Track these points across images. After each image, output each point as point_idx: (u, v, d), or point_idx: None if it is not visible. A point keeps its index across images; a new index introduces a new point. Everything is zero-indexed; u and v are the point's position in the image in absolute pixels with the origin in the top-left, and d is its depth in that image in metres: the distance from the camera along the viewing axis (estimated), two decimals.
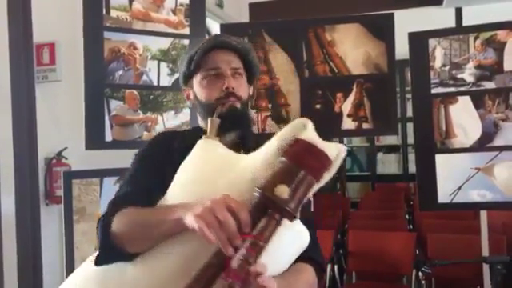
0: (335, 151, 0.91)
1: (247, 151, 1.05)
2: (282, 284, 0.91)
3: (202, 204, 0.85)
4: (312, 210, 1.31)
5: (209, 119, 1.08)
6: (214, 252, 0.84)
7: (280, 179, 0.84)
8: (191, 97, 1.20)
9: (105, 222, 1.00)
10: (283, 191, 0.82)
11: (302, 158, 0.86)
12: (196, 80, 1.17)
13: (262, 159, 0.93)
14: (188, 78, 1.18)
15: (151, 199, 1.02)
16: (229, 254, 0.81)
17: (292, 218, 0.84)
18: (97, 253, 1.02)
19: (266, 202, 0.83)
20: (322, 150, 0.88)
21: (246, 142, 1.14)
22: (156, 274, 0.93)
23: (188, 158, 1.04)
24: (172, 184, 1.03)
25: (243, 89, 1.16)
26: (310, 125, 0.93)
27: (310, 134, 0.91)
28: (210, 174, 0.98)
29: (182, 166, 1.04)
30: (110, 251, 0.98)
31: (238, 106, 1.14)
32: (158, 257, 0.95)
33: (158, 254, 0.95)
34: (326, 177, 0.91)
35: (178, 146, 1.13)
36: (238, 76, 1.16)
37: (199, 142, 1.07)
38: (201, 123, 1.22)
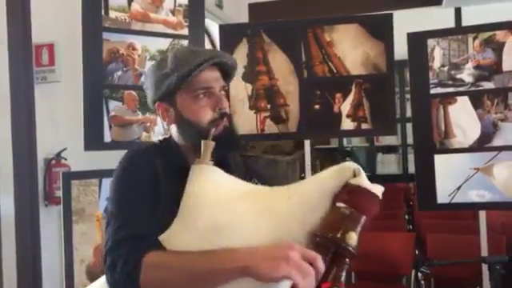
0: (380, 192, 0.96)
1: (228, 171, 1.04)
2: None
3: (277, 255, 0.84)
4: None
5: (202, 142, 1.04)
6: None
7: (350, 227, 0.89)
8: (170, 113, 1.12)
9: (131, 273, 0.91)
10: (354, 239, 0.88)
11: (366, 207, 0.92)
12: (181, 97, 1.10)
13: (309, 200, 0.93)
14: (169, 94, 1.10)
15: (157, 233, 0.97)
16: None
17: (354, 259, 0.90)
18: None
19: (336, 248, 0.88)
20: (378, 196, 0.95)
21: (226, 162, 1.12)
22: None
23: (198, 194, 0.98)
24: (186, 223, 0.96)
25: (228, 106, 1.14)
26: (361, 170, 0.95)
27: (364, 180, 0.94)
28: (247, 216, 0.94)
29: (194, 205, 0.97)
30: None
31: (228, 125, 1.11)
32: None
33: None
34: None
35: (161, 167, 1.07)
36: (225, 93, 1.13)
37: (199, 169, 1.01)
38: (177, 140, 1.15)
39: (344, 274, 0.89)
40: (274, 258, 0.84)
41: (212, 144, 1.04)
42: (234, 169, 1.13)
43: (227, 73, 1.15)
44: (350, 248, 0.87)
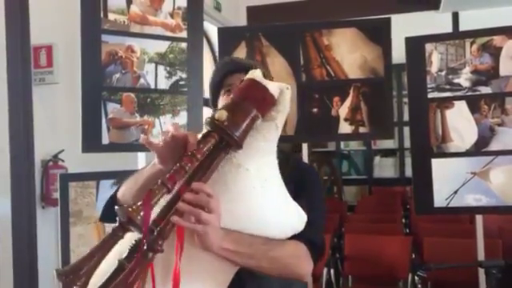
0: (277, 88, 1.03)
1: None
2: (236, 238, 0.98)
3: None
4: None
5: None
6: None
7: (222, 107, 0.96)
8: None
9: (113, 193, 1.18)
10: (222, 114, 0.93)
11: (242, 90, 0.99)
12: (220, 99, 1.27)
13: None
14: (214, 102, 1.29)
15: None
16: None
17: (234, 141, 0.93)
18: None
19: (209, 125, 0.94)
20: (260, 83, 1.00)
21: None
22: None
23: None
24: None
25: None
26: (258, 71, 1.04)
27: (255, 74, 1.02)
28: None
29: None
30: (111, 209, 1.04)
31: None
32: None
33: None
34: (275, 112, 1.02)
35: None
36: None
37: None
38: None
39: (211, 148, 0.93)
40: None
41: None
42: None
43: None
44: (215, 121, 0.93)
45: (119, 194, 1.14)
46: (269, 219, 1.02)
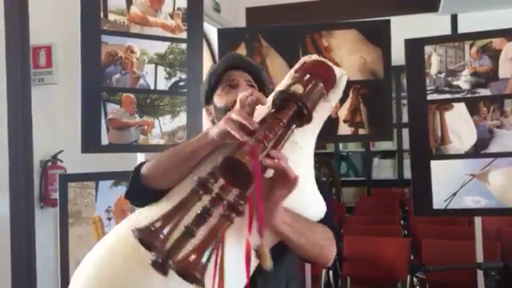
0: (339, 71, 1.08)
1: None
2: (292, 214, 0.99)
3: None
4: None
5: None
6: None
7: (295, 82, 0.97)
8: (211, 111, 1.28)
9: (136, 169, 1.09)
10: (298, 88, 0.95)
11: (311, 68, 1.02)
12: (216, 95, 1.26)
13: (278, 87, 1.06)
14: (210, 96, 1.27)
15: None
16: (253, 127, 0.89)
17: (308, 112, 0.95)
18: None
19: (282, 97, 0.95)
20: (328, 63, 1.06)
21: None
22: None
23: None
24: None
25: None
26: (316, 55, 1.08)
27: (316, 56, 1.07)
28: None
29: None
30: (141, 190, 1.05)
31: None
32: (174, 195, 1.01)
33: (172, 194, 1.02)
34: (333, 94, 1.06)
35: None
36: (251, 87, 1.25)
37: None
38: None
39: (289, 119, 0.93)
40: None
41: None
42: None
43: (258, 77, 1.29)
44: (293, 94, 0.94)
45: (145, 170, 1.07)
46: (308, 200, 1.05)
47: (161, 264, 0.79)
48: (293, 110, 0.94)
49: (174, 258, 0.78)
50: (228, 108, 1.19)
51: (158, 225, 0.80)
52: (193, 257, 0.77)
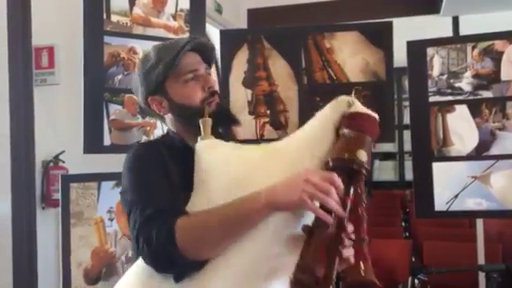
0: (376, 116, 1.05)
1: None
2: None
3: (295, 182, 0.90)
4: None
5: (200, 121, 1.10)
6: (314, 224, 0.91)
7: (358, 146, 0.95)
8: (164, 104, 1.16)
9: (168, 239, 0.94)
10: (363, 154, 0.94)
11: (367, 127, 1.00)
12: (171, 85, 1.15)
13: (313, 137, 1.01)
14: (158, 85, 1.15)
15: (183, 206, 1.02)
16: (344, 216, 0.89)
17: (368, 179, 0.97)
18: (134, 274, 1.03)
19: (348, 165, 0.94)
20: (376, 118, 1.04)
21: (229, 138, 1.19)
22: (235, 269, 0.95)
23: (209, 163, 1.04)
24: (206, 191, 1.02)
25: (216, 84, 1.21)
26: (355, 100, 1.05)
27: (360, 106, 1.04)
28: (260, 167, 1.01)
29: (207, 172, 1.03)
30: (185, 263, 0.95)
31: (219, 101, 1.18)
32: (229, 259, 0.95)
33: (225, 257, 0.96)
34: None
35: (166, 152, 1.12)
36: (209, 72, 1.19)
37: (203, 144, 1.08)
38: (175, 129, 1.20)
39: (364, 189, 0.95)
40: (294, 184, 0.90)
41: (209, 121, 1.11)
42: (231, 140, 1.20)
43: (207, 57, 1.20)
44: (363, 163, 0.94)
45: (184, 242, 0.94)
46: None
47: None
48: (364, 180, 0.96)
49: None
50: (196, 108, 1.12)
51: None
52: None
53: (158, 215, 0.98)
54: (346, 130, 0.99)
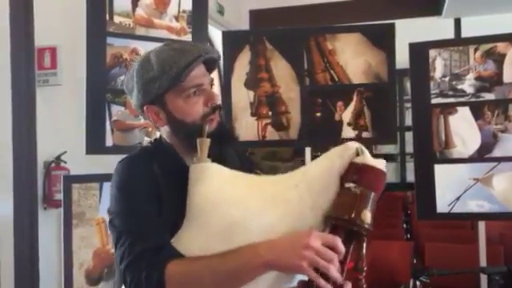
0: (384, 166, 0.98)
1: (225, 165, 1.04)
2: None
3: (296, 245, 0.86)
4: None
5: (198, 140, 1.03)
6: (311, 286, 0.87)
7: (363, 206, 0.90)
8: (162, 116, 1.08)
9: (157, 281, 0.91)
10: (368, 216, 0.90)
11: (375, 184, 0.94)
12: (171, 98, 1.06)
13: (317, 184, 0.95)
14: (161, 96, 1.06)
15: (170, 238, 0.98)
16: (341, 283, 0.86)
17: (370, 237, 0.93)
18: None
19: (353, 228, 0.90)
20: (384, 171, 0.96)
21: (222, 156, 1.10)
22: None
23: (203, 198, 0.99)
24: (199, 227, 0.98)
25: (219, 97, 1.13)
26: (364, 148, 0.98)
27: (368, 157, 0.96)
28: (258, 209, 0.96)
29: (201, 210, 0.98)
30: None
31: (220, 119, 1.10)
32: None
33: None
34: None
35: (159, 170, 1.05)
36: (213, 83, 1.12)
37: (198, 172, 1.02)
38: (169, 140, 1.12)
39: (364, 251, 0.91)
40: (295, 248, 0.86)
41: (208, 141, 1.04)
42: (230, 162, 1.12)
43: (211, 66, 1.14)
44: (367, 226, 0.90)
45: (173, 284, 0.91)
46: None
47: None
48: (365, 242, 0.92)
49: None
50: (195, 125, 1.05)
51: None
52: None
53: (147, 255, 0.95)
54: (351, 185, 0.92)
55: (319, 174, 0.96)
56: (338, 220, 0.90)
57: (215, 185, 1.00)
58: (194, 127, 1.05)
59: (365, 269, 0.90)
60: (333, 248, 0.87)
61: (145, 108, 1.09)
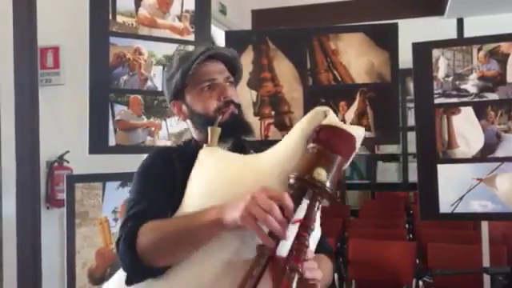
0: (359, 132, 0.96)
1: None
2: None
3: (242, 199, 0.86)
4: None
5: (209, 128, 1.09)
6: (258, 246, 0.86)
7: (317, 163, 0.88)
8: (184, 110, 1.19)
9: (128, 240, 0.96)
10: (322, 173, 0.86)
11: (334, 143, 0.91)
12: (189, 92, 1.16)
13: (285, 151, 0.96)
14: (179, 91, 1.17)
15: (166, 214, 1.02)
16: (285, 238, 0.84)
17: (332, 198, 0.89)
18: (123, 274, 1.01)
19: (305, 185, 0.87)
20: (351, 133, 0.93)
21: (243, 150, 1.14)
22: (192, 284, 0.94)
23: (199, 169, 1.05)
24: (186, 196, 1.04)
25: (237, 96, 1.18)
26: (331, 111, 0.97)
27: (334, 119, 0.95)
28: (232, 180, 0.99)
29: (193, 178, 1.04)
30: (140, 269, 0.96)
31: (237, 112, 1.16)
32: (192, 267, 0.94)
33: (189, 265, 0.95)
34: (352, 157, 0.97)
35: (178, 161, 1.12)
36: (230, 84, 1.17)
37: (203, 152, 1.08)
38: (195, 135, 1.21)
39: (316, 212, 0.88)
40: (240, 202, 0.87)
41: (218, 130, 1.09)
42: (247, 153, 1.17)
43: (232, 66, 1.20)
44: (319, 183, 0.86)
45: (144, 249, 0.95)
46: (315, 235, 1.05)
47: None
48: (318, 205, 0.88)
49: None
50: (209, 117, 1.12)
51: None
52: None
53: (136, 216, 1.01)
54: (310, 145, 0.92)
55: (289, 140, 0.97)
56: (292, 178, 0.89)
57: (210, 163, 1.05)
58: (208, 118, 1.12)
59: (313, 228, 0.86)
60: (278, 201, 0.85)
61: (172, 103, 1.20)
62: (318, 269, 0.92)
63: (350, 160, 0.96)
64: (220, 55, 1.17)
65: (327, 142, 0.91)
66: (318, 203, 0.88)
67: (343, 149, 0.92)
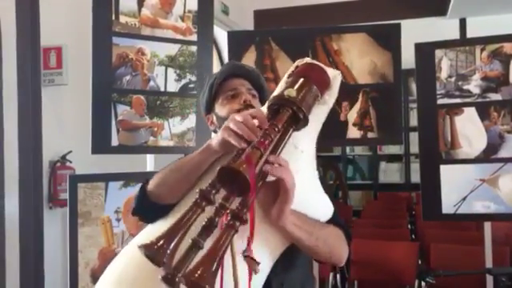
0: (333, 72, 1.09)
1: None
2: (301, 216, 1.00)
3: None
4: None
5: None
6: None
7: (289, 87, 0.99)
8: (214, 120, 1.29)
9: (142, 186, 1.12)
10: (291, 91, 0.97)
11: (304, 72, 1.03)
12: (217, 104, 1.27)
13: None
14: (210, 105, 1.28)
15: None
16: (253, 139, 0.91)
17: (303, 115, 0.96)
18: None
19: (277, 102, 0.98)
20: (321, 65, 1.06)
21: None
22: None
23: None
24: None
25: (258, 105, 1.24)
26: (310, 58, 1.10)
27: (308, 59, 1.08)
28: None
29: None
30: (145, 203, 1.09)
31: None
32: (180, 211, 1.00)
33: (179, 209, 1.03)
34: (329, 96, 1.08)
35: None
36: (253, 97, 1.26)
37: None
38: None
39: (285, 123, 0.95)
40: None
41: None
42: None
43: (257, 84, 1.29)
44: (287, 96, 0.96)
45: (151, 186, 1.10)
46: (314, 202, 1.07)
47: (171, 279, 0.79)
48: (287, 115, 0.95)
49: (183, 272, 0.78)
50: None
51: (162, 241, 0.80)
52: (201, 269, 0.77)
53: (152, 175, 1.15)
54: (287, 79, 1.04)
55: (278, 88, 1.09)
56: (269, 101, 1.00)
57: None
58: None
59: (276, 135, 0.93)
60: (251, 115, 0.95)
61: (205, 117, 1.33)
62: (287, 169, 0.94)
63: (324, 93, 1.06)
64: (243, 72, 1.28)
65: (301, 71, 1.03)
66: (288, 113, 0.95)
67: (313, 76, 1.02)
